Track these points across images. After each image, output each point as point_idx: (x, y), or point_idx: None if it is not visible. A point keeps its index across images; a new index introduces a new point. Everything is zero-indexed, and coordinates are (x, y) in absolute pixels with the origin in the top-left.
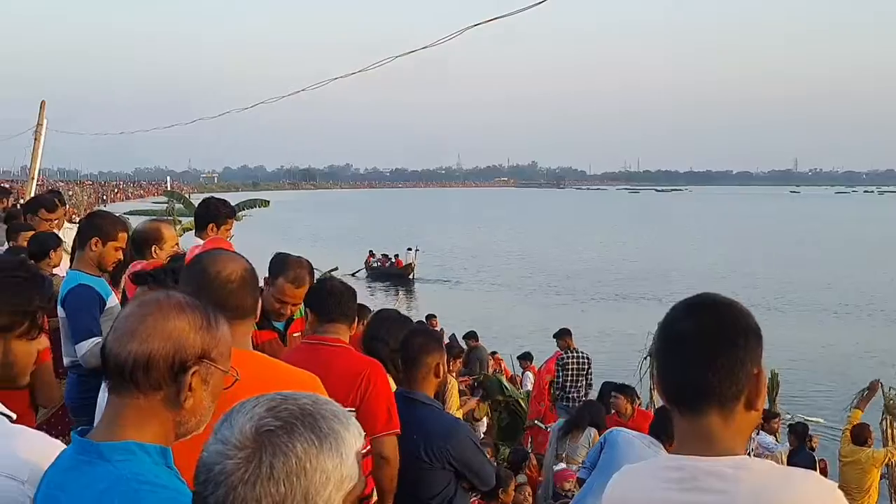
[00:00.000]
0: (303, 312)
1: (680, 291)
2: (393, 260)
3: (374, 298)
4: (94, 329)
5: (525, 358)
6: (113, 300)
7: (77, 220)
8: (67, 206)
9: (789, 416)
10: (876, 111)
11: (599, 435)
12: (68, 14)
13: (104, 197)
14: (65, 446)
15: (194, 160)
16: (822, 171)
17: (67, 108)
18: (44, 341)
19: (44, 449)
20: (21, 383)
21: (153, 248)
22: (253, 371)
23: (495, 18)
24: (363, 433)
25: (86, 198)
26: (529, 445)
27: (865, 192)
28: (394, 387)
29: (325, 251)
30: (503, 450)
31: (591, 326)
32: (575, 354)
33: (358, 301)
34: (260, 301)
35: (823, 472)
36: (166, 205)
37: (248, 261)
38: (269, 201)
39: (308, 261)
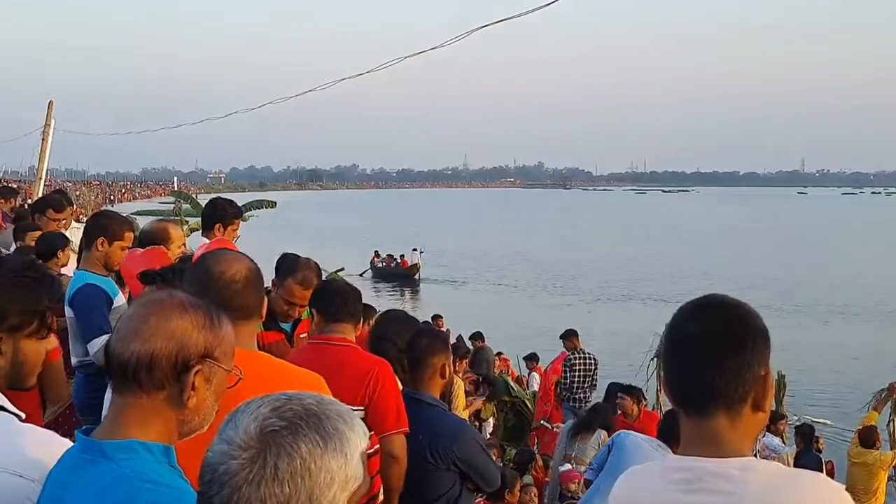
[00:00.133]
0: (310, 313)
1: (686, 292)
2: (399, 260)
3: (379, 298)
4: (104, 327)
5: (531, 359)
6: (120, 299)
7: (84, 220)
8: (75, 206)
9: (796, 418)
10: (884, 112)
11: (608, 437)
12: (74, 15)
13: (111, 197)
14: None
15: (201, 160)
16: (830, 172)
17: (75, 108)
18: (53, 341)
19: (53, 448)
20: (29, 384)
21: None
22: (257, 371)
23: (503, 20)
24: (368, 433)
25: (93, 198)
26: (536, 446)
27: (873, 193)
28: (400, 387)
29: (330, 251)
30: (509, 450)
31: (597, 327)
32: (582, 355)
33: (363, 301)
34: (266, 301)
35: (830, 474)
36: (173, 205)
37: (252, 261)
38: (275, 202)
39: (316, 262)
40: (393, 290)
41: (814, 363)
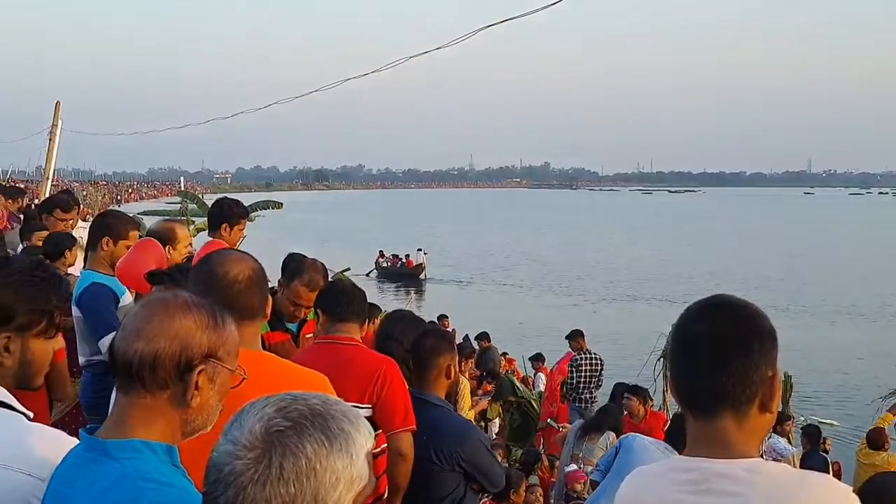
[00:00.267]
0: (316, 314)
1: (692, 292)
2: (404, 260)
3: (384, 298)
4: (114, 324)
5: (537, 359)
6: (127, 298)
7: (91, 220)
8: (82, 207)
9: (802, 419)
10: (891, 112)
11: (616, 439)
12: (80, 15)
13: (118, 197)
14: None
15: (208, 161)
16: (837, 172)
17: (82, 108)
18: (60, 341)
19: (61, 447)
20: (37, 383)
21: (167, 248)
22: (261, 371)
23: (509, 19)
24: (373, 433)
25: (100, 198)
26: (541, 446)
27: (880, 193)
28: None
29: (336, 252)
30: (514, 450)
31: (602, 327)
32: (588, 356)
33: (368, 301)
34: (270, 301)
35: (837, 475)
36: (180, 205)
37: (256, 261)
38: (282, 203)
39: (322, 263)
40: (398, 290)
41: (820, 364)
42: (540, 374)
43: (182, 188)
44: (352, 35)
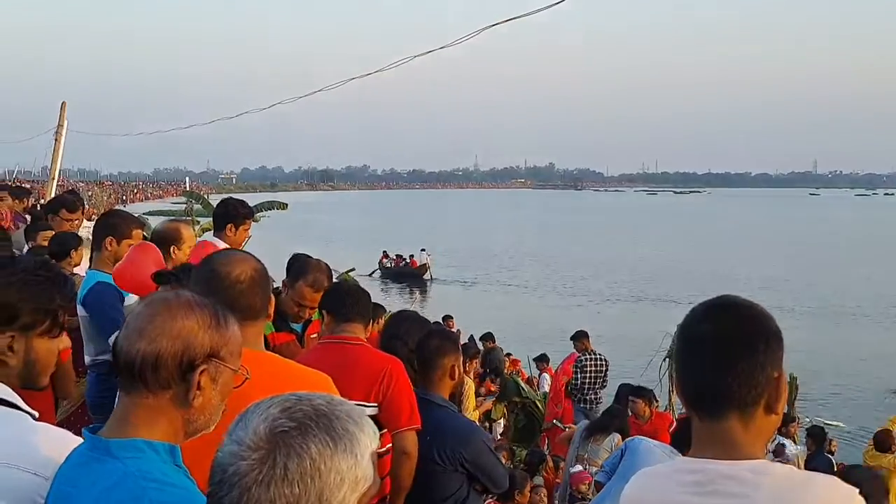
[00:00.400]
0: (320, 315)
1: (697, 293)
2: (407, 260)
3: (388, 299)
4: (121, 322)
5: (541, 360)
6: (132, 297)
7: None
8: (87, 207)
9: (808, 420)
10: None
11: (622, 441)
12: (84, 16)
13: (124, 197)
14: None
15: (213, 161)
16: (843, 172)
17: (87, 109)
18: (66, 340)
19: (66, 446)
20: (42, 383)
21: (172, 248)
22: (264, 371)
23: (513, 18)
24: (378, 434)
25: (105, 198)
26: (546, 447)
27: (886, 194)
28: None
29: (341, 252)
30: (519, 451)
31: (607, 327)
32: (593, 356)
33: (372, 301)
34: (273, 301)
35: (842, 477)
36: (185, 205)
37: (258, 261)
38: (286, 204)
39: (327, 264)
40: (402, 291)
41: (826, 365)
42: (545, 374)
43: (187, 188)
44: (355, 35)
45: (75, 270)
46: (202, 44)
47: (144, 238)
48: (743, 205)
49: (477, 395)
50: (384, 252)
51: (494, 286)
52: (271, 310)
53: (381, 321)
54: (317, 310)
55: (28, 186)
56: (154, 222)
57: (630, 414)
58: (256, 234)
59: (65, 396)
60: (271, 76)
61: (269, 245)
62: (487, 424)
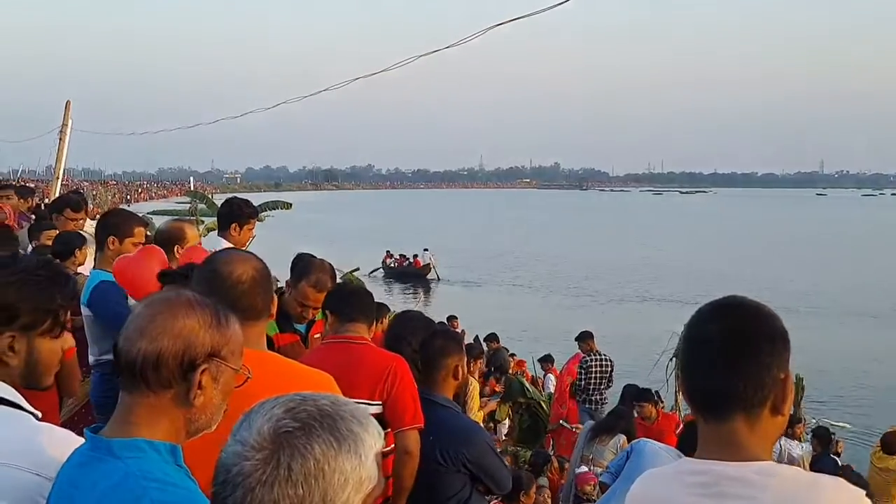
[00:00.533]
0: (324, 315)
1: (702, 293)
2: (411, 260)
3: (393, 299)
4: (128, 315)
5: (546, 360)
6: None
7: None
8: (91, 206)
9: (814, 421)
10: None
11: (628, 443)
12: (91, 15)
13: (128, 197)
14: None
15: (217, 160)
16: (849, 172)
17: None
18: (69, 339)
19: (69, 446)
20: (46, 383)
21: (175, 248)
22: (266, 371)
23: (519, 18)
24: (382, 434)
25: (110, 197)
26: (551, 448)
27: (893, 194)
28: None
29: (345, 252)
30: (523, 452)
31: (612, 328)
32: (598, 357)
33: (375, 301)
34: (275, 301)
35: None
36: (189, 205)
37: (260, 260)
38: (291, 204)
39: (330, 264)
40: (406, 291)
41: (833, 366)
42: (549, 375)
43: (191, 188)
44: (359, 35)
45: (79, 270)
46: (207, 43)
47: (148, 236)
48: (749, 205)
49: (481, 395)
50: (387, 252)
51: (499, 286)
52: (274, 310)
53: (385, 321)
54: (320, 310)
55: (32, 186)
56: (158, 222)
57: (636, 415)
58: (261, 234)
59: (69, 395)
60: (275, 76)
61: (273, 245)
62: (492, 425)
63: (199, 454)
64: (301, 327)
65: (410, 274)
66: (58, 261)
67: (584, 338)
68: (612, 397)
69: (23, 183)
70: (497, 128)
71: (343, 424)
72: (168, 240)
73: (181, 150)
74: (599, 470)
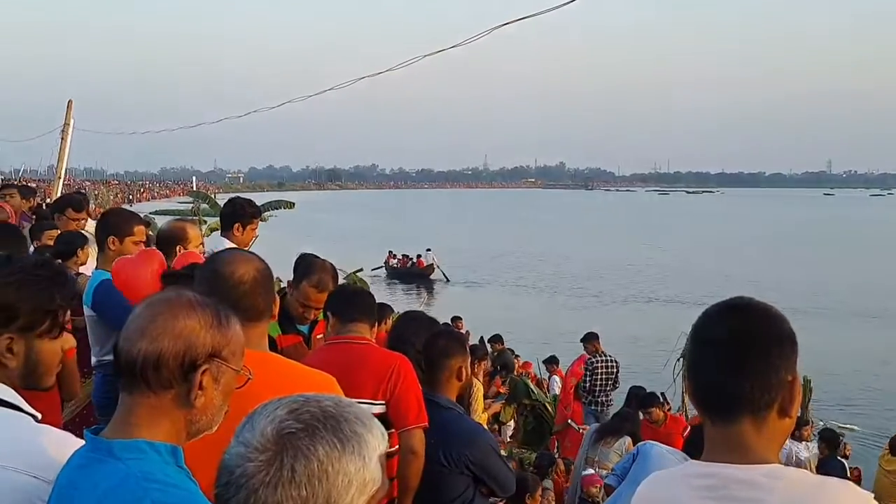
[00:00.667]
0: (325, 316)
1: (708, 294)
2: (414, 260)
3: (396, 299)
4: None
5: (551, 362)
6: None
7: None
8: (93, 206)
9: (822, 423)
10: None
11: (633, 445)
12: (92, 13)
13: (130, 196)
14: None
15: (220, 160)
16: (857, 172)
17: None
18: (71, 340)
19: (68, 448)
20: (47, 384)
21: (178, 248)
22: (267, 372)
23: (524, 18)
24: (386, 435)
25: (112, 197)
26: (556, 450)
27: None
28: None
29: (348, 252)
30: (528, 454)
31: (617, 328)
32: (604, 358)
33: (377, 301)
34: (277, 302)
35: (857, 481)
36: (192, 205)
37: (262, 261)
38: (293, 203)
39: (332, 264)
40: (409, 291)
41: (841, 367)
42: (555, 376)
43: (194, 188)
44: (363, 34)
45: (81, 270)
46: (210, 43)
47: (149, 236)
48: (756, 205)
49: (486, 395)
50: (390, 252)
51: (503, 287)
52: (276, 311)
53: (389, 322)
54: (321, 311)
55: (34, 186)
56: (161, 222)
57: (643, 417)
58: (264, 234)
59: (70, 397)
60: (279, 75)
61: (276, 245)
62: (497, 427)
63: (201, 455)
64: (304, 328)
65: (414, 274)
66: (60, 261)
67: (590, 339)
68: (618, 398)
69: (24, 183)
70: (502, 127)
71: (347, 426)
72: (170, 240)
73: (184, 149)
74: (604, 472)
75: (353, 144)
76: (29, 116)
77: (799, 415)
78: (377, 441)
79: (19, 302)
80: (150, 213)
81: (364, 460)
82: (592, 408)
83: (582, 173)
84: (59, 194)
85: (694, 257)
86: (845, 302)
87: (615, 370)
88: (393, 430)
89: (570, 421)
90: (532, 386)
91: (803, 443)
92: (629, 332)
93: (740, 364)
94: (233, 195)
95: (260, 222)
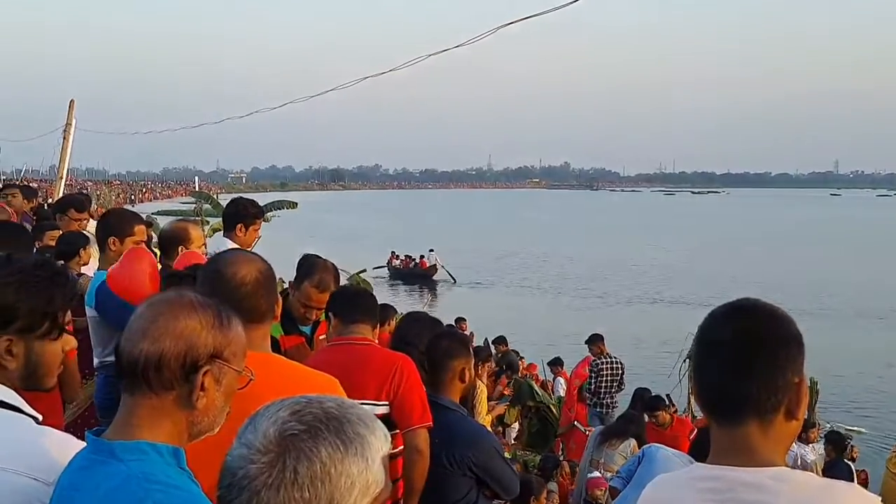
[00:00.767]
0: (327, 317)
1: (714, 295)
2: (417, 261)
3: (398, 300)
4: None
5: (556, 363)
6: None
7: None
8: (95, 206)
9: (829, 426)
10: None
11: (638, 447)
12: (93, 13)
13: (132, 197)
14: None
15: (223, 160)
16: (864, 172)
17: (96, 108)
18: (72, 341)
19: (69, 450)
20: (48, 385)
21: (180, 249)
22: (269, 373)
23: (528, 17)
24: (389, 437)
25: (114, 197)
26: (561, 452)
27: None
28: None
29: (351, 252)
30: (532, 456)
31: (622, 330)
32: (609, 360)
33: (380, 302)
34: (280, 303)
35: (864, 484)
36: (194, 205)
37: (265, 262)
38: (296, 203)
39: (334, 265)
40: (412, 292)
41: (848, 369)
42: (559, 378)
43: (196, 188)
44: (363, 35)
45: (83, 270)
46: (210, 43)
47: (151, 236)
48: (762, 206)
49: (491, 396)
50: (393, 253)
51: (507, 287)
52: (278, 311)
53: (392, 323)
54: (323, 312)
55: (36, 186)
56: (163, 222)
57: (649, 421)
58: (266, 234)
59: (70, 399)
60: (280, 75)
61: (279, 245)
62: (501, 429)
63: (202, 457)
64: (306, 329)
65: (416, 275)
66: (62, 261)
67: (595, 340)
68: (624, 400)
69: (26, 183)
70: (506, 127)
71: (349, 427)
72: (172, 240)
73: (186, 149)
74: (609, 474)
75: (356, 144)
76: (30, 116)
77: (805, 417)
78: (380, 442)
79: (18, 303)
80: (153, 214)
81: (367, 462)
82: (597, 410)
83: (587, 174)
84: (61, 194)
85: (699, 258)
86: (851, 303)
87: (620, 372)
88: (397, 431)
89: (575, 423)
90: (536, 388)
91: (810, 445)
92: (634, 333)
93: (746, 366)
94: (235, 195)
95: (263, 223)
